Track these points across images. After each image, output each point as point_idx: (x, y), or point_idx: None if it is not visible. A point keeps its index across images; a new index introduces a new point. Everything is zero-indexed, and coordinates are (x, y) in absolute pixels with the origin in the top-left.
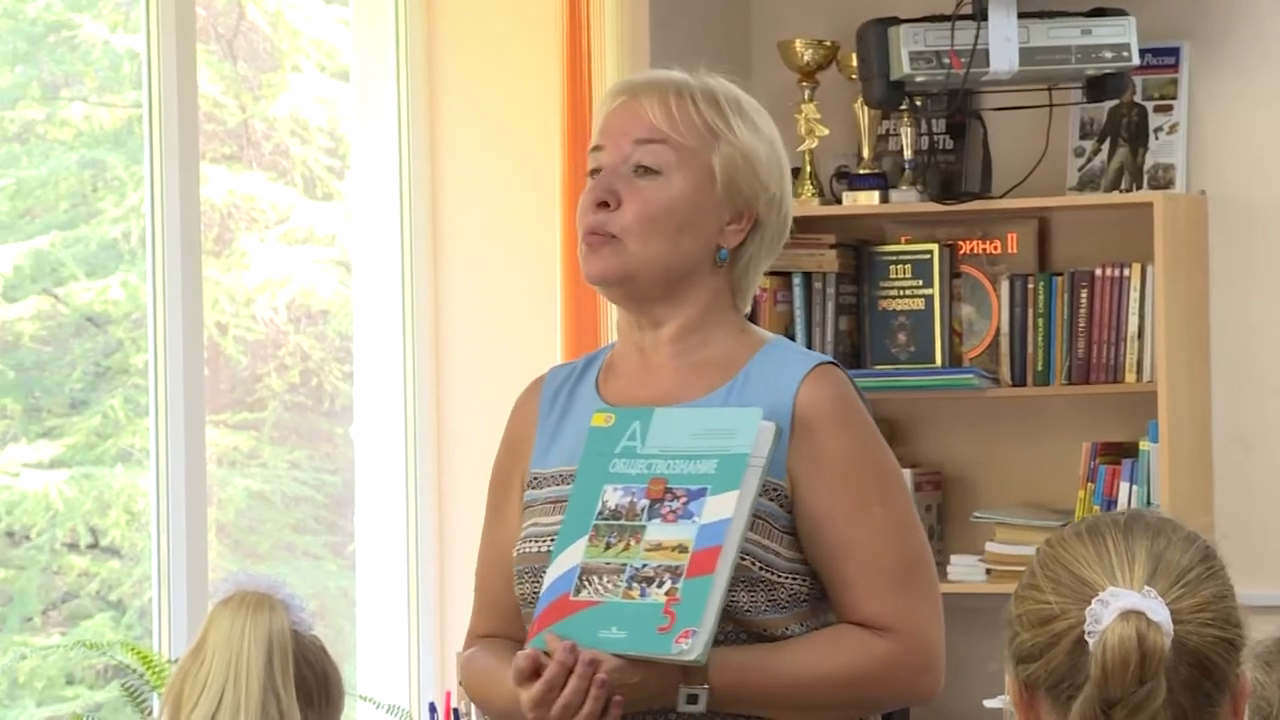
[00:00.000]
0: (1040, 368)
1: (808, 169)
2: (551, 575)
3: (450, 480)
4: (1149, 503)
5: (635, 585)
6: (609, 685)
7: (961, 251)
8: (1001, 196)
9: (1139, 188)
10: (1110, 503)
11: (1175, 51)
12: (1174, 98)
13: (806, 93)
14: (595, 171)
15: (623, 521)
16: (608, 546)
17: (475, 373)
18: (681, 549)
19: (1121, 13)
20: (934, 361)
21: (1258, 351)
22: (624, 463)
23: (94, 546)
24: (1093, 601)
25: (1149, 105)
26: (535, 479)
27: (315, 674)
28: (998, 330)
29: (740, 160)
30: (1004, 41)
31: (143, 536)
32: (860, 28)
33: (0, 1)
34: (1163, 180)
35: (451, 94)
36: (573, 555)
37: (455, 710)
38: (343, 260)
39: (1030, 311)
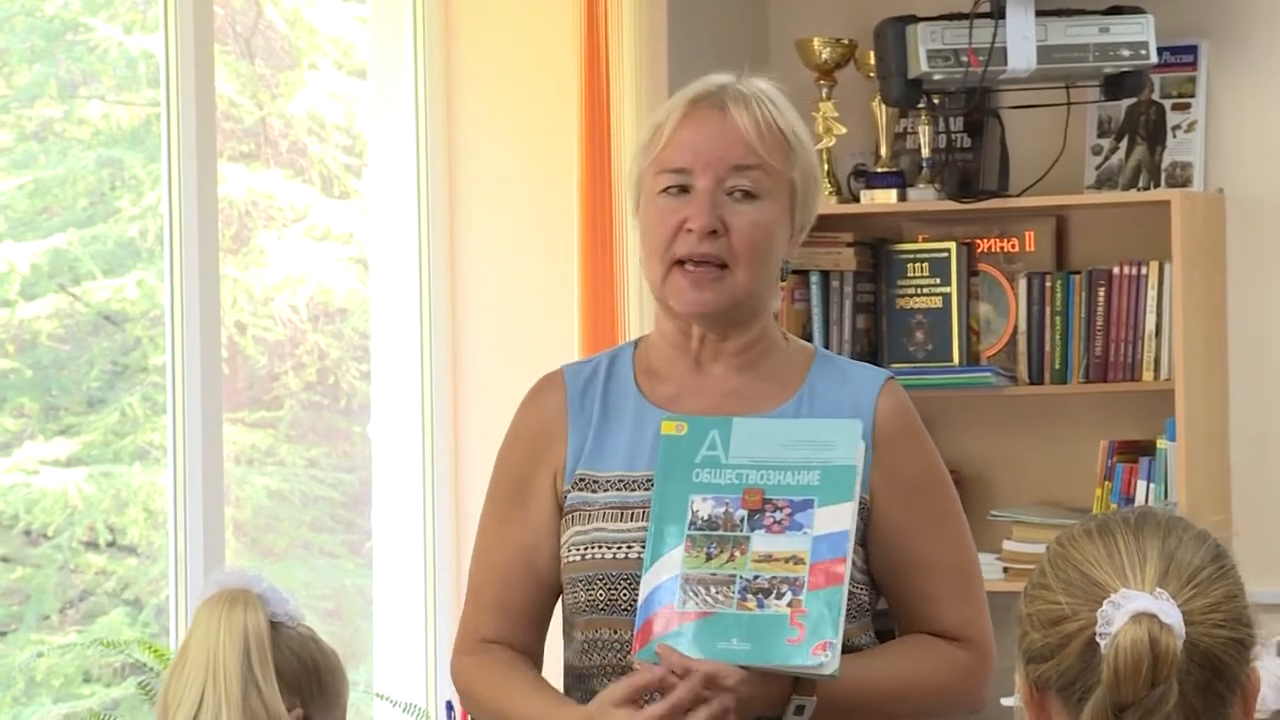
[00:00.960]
0: (1058, 366)
1: (825, 167)
2: (647, 586)
3: (467, 479)
4: (1166, 501)
5: (750, 596)
6: (734, 696)
7: (979, 250)
8: (1019, 195)
9: (1157, 186)
10: (1128, 501)
11: (1193, 50)
12: (1192, 96)
13: (824, 91)
14: (678, 189)
15: (721, 532)
16: (709, 557)
17: (492, 371)
18: (796, 561)
19: (1139, 11)
20: (951, 360)
21: (1275, 349)
22: (709, 472)
23: (111, 545)
24: (1104, 603)
25: (1167, 103)
26: (585, 481)
27: (301, 663)
28: (1015, 328)
29: (810, 172)
30: (1022, 40)
31: (160, 535)
32: (878, 26)
33: (18, 0)
34: (1180, 178)
35: (469, 91)
36: (669, 565)
37: None
38: (360, 258)
39: (1048, 310)
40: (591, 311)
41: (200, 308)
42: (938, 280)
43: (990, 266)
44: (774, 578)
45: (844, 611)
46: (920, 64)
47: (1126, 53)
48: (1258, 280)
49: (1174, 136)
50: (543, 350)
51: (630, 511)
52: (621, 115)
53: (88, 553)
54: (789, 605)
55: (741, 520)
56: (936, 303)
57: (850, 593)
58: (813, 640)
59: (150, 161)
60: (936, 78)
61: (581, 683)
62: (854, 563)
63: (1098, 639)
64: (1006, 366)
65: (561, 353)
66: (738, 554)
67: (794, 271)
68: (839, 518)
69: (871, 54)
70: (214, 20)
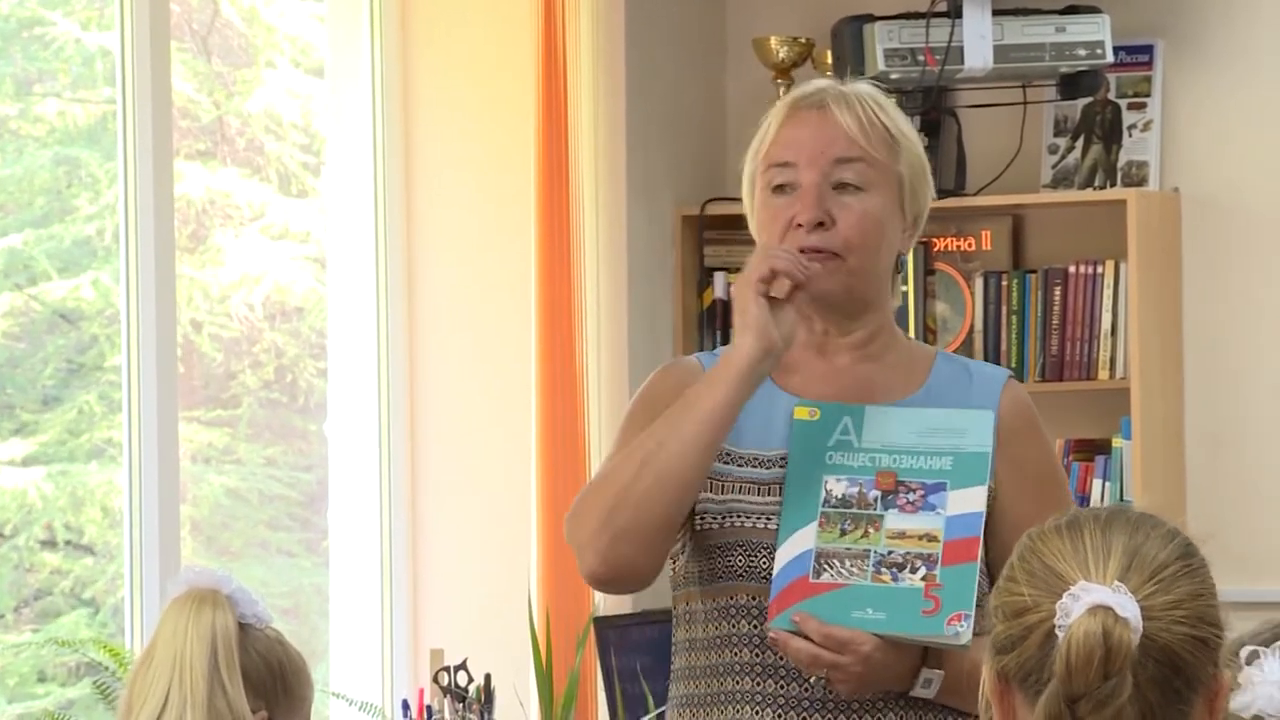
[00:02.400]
0: (1014, 365)
1: None
2: (782, 558)
3: (424, 477)
4: (1122, 499)
5: (885, 570)
6: (869, 661)
7: (936, 248)
8: (976, 194)
9: (1113, 185)
10: (1083, 499)
11: (1149, 49)
12: (1148, 95)
13: (781, 90)
14: (784, 187)
15: (855, 510)
16: (843, 533)
17: (449, 369)
18: (930, 538)
19: (1095, 10)
20: None
21: (1230, 348)
22: (842, 455)
23: (68, 544)
24: (1064, 595)
25: (1123, 103)
26: (723, 454)
27: (268, 665)
28: (972, 327)
29: (918, 167)
30: (978, 39)
31: (116, 533)
32: (835, 25)
33: None
34: (1136, 178)
35: (426, 90)
36: (803, 540)
37: (428, 708)
38: (317, 257)
39: (1004, 309)
40: (549, 309)
41: (156, 306)
42: None
43: (947, 265)
44: (908, 553)
45: (977, 587)
46: (877, 63)
47: (1082, 52)
48: (1213, 279)
49: (1130, 136)
50: (500, 349)
51: (765, 486)
52: (579, 113)
53: (44, 551)
54: (923, 579)
55: (875, 500)
56: (894, 301)
57: None
58: (948, 611)
59: (107, 160)
60: (893, 77)
61: (709, 653)
62: (982, 550)
63: (1056, 630)
64: None
65: (519, 350)
66: (871, 530)
67: None
68: (972, 500)
69: (829, 53)
70: (170, 17)
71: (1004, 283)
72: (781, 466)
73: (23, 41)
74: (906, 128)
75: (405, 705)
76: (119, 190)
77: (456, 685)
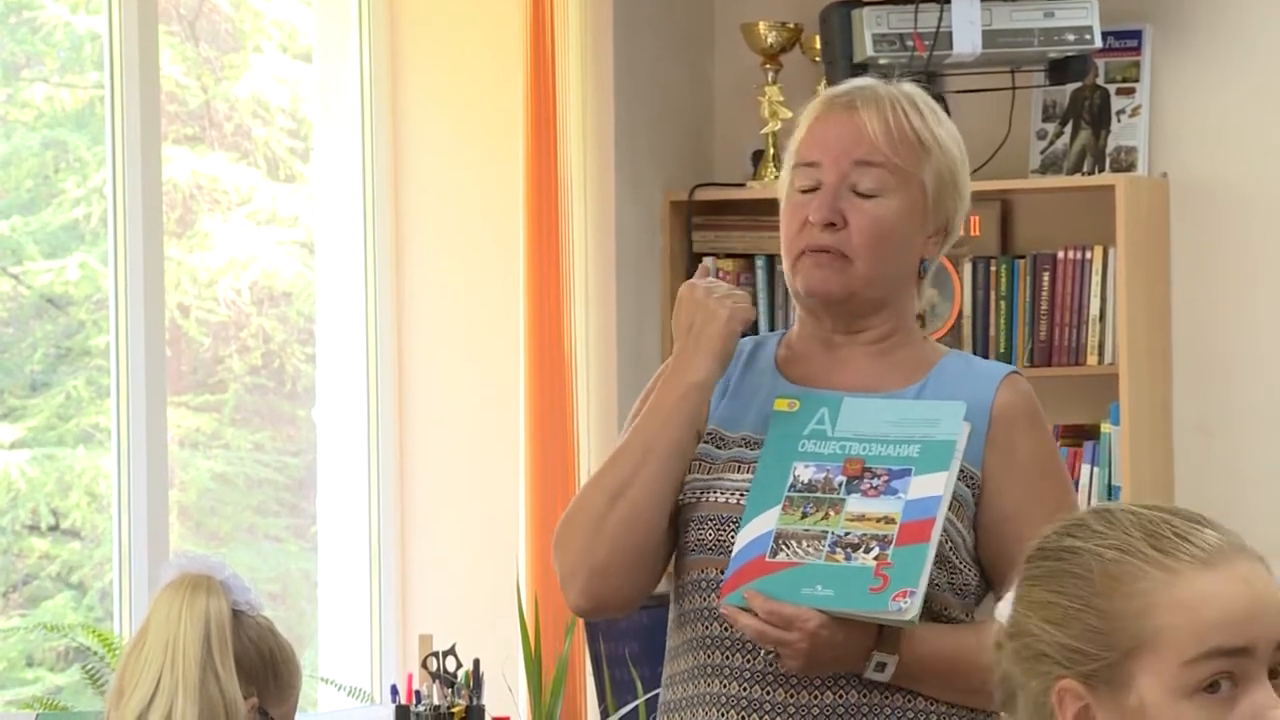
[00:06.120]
0: (1002, 350)
1: (771, 151)
2: (743, 540)
3: (412, 463)
4: (1110, 485)
5: (839, 550)
6: (815, 639)
7: None
8: None
9: (1101, 171)
10: (1072, 484)
11: (1137, 34)
12: (1136, 81)
13: (770, 75)
14: (810, 189)
15: (819, 494)
16: (804, 515)
17: (437, 354)
18: (888, 520)
19: None
20: None
21: (1219, 334)
22: (814, 443)
23: (55, 528)
24: None
25: (1111, 88)
26: (713, 436)
27: (259, 653)
28: (960, 313)
29: (947, 175)
30: (967, 24)
31: (104, 518)
32: (823, 10)
33: None
34: (1125, 163)
35: (414, 74)
36: (765, 522)
37: (417, 693)
38: (305, 242)
39: (992, 294)
40: (537, 295)
41: (144, 291)
42: None
43: None
44: (864, 535)
45: (929, 565)
46: (866, 48)
47: (1071, 37)
48: (1201, 265)
49: (1118, 121)
50: (488, 335)
51: (748, 464)
52: (567, 98)
53: (31, 536)
54: (875, 559)
55: (840, 485)
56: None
57: (958, 566)
58: (894, 588)
59: (95, 144)
60: (882, 62)
61: (686, 628)
62: (964, 546)
63: None
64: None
65: (507, 337)
66: (832, 513)
67: (739, 256)
68: (934, 484)
69: (817, 38)
70: (158, 2)
71: (992, 268)
72: None
73: (10, 25)
74: (943, 134)
75: (394, 690)
76: (107, 174)
77: (445, 671)
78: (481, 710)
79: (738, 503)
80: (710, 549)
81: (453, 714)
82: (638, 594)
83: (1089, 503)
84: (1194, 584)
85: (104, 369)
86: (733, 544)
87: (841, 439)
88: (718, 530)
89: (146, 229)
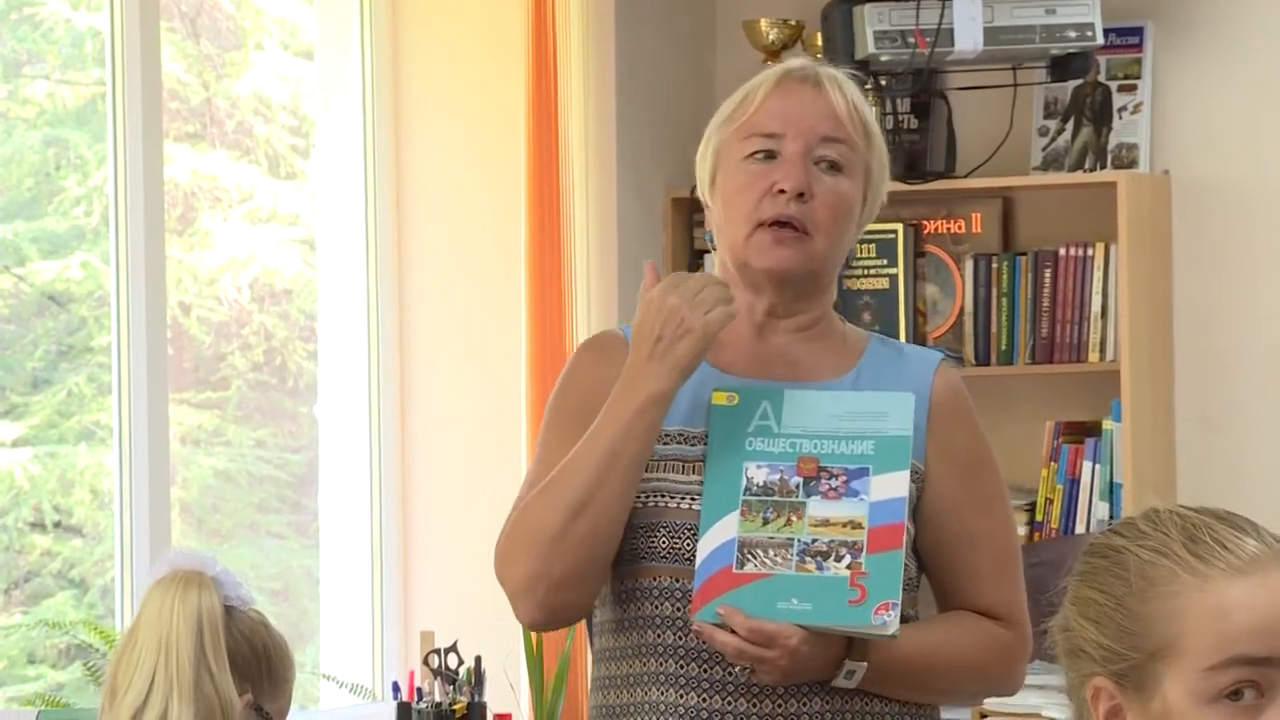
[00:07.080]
0: (1004, 347)
1: None
2: (704, 549)
3: (414, 459)
4: (1112, 482)
5: (809, 559)
6: (795, 655)
7: (926, 231)
8: (966, 176)
9: (1103, 167)
10: (1073, 481)
11: (1139, 31)
12: (1138, 78)
13: None
14: (766, 155)
15: (777, 497)
16: (765, 522)
17: (439, 351)
18: (855, 525)
19: None
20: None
21: (1220, 331)
22: (762, 441)
23: (57, 525)
24: None
25: (1113, 85)
26: None
27: (252, 648)
28: (962, 310)
29: (884, 163)
30: (969, 21)
31: (106, 515)
32: (825, 7)
33: None
34: (1126, 160)
35: (416, 72)
36: (725, 529)
37: (419, 690)
38: (307, 239)
39: (994, 291)
40: (539, 291)
41: (146, 288)
42: (885, 261)
43: (937, 248)
44: (832, 541)
45: (903, 575)
46: (867, 45)
47: (1073, 34)
48: (1203, 262)
49: (1120, 118)
50: (490, 331)
51: (692, 465)
52: (569, 95)
53: (33, 533)
54: (848, 568)
55: (797, 486)
56: (883, 284)
57: (905, 563)
58: (875, 601)
59: (96, 142)
60: (883, 59)
61: (630, 634)
62: (912, 533)
63: None
64: (953, 348)
65: (509, 333)
66: (794, 519)
67: None
68: (895, 485)
69: (819, 35)
70: None
71: (994, 265)
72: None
73: (12, 23)
74: (875, 124)
75: (396, 687)
76: (108, 172)
77: (447, 667)
78: (483, 707)
79: (689, 507)
80: (664, 556)
81: (454, 711)
82: (590, 603)
83: (1090, 502)
84: (1224, 591)
85: (105, 366)
86: (688, 551)
87: (789, 435)
88: (670, 537)
89: (148, 226)
